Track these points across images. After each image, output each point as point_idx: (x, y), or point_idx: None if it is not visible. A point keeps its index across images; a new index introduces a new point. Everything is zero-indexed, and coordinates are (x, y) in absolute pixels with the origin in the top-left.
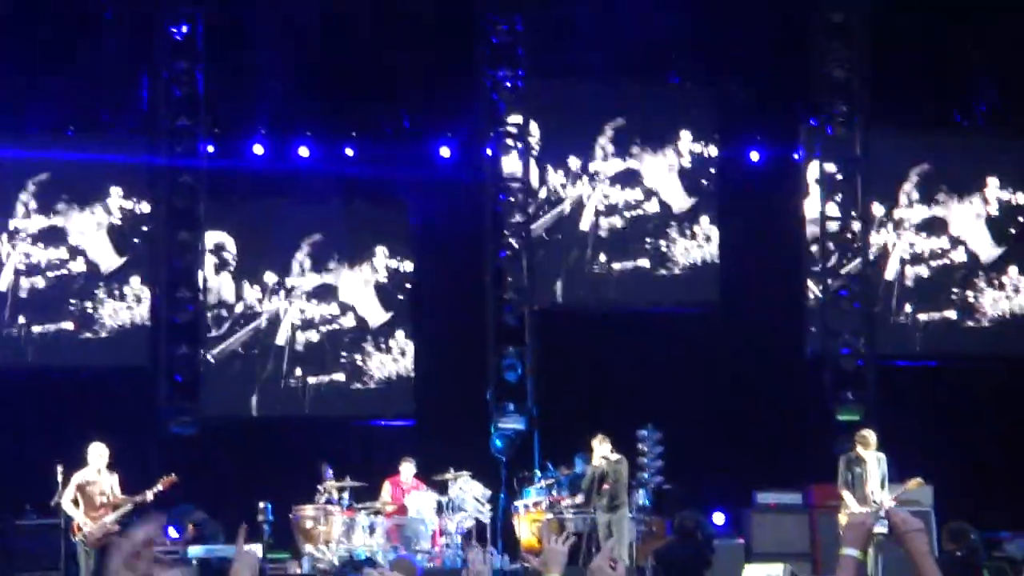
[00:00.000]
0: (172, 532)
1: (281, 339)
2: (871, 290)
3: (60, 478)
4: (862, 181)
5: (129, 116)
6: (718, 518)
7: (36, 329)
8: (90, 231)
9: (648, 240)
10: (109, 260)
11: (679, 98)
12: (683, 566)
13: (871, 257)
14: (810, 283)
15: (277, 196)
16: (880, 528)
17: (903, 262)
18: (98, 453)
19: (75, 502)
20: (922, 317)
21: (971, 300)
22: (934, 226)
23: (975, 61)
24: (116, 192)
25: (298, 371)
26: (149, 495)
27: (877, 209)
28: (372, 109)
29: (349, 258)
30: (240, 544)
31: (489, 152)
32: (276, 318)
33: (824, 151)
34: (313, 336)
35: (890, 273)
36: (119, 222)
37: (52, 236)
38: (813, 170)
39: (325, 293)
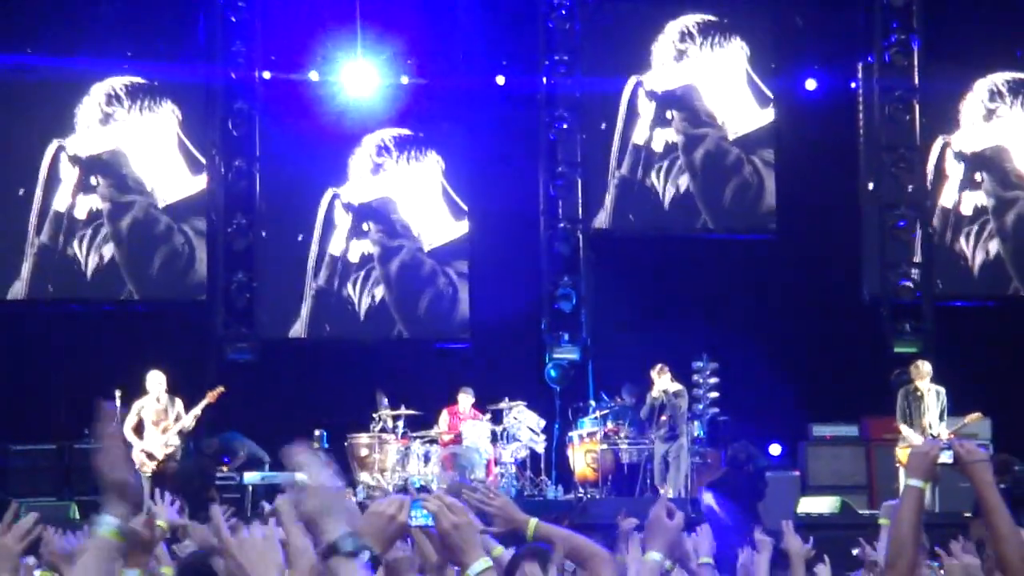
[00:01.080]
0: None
1: (336, 249)
2: (928, 220)
3: (118, 403)
4: (920, 111)
5: (186, 43)
6: (774, 449)
7: (92, 256)
8: (149, 144)
9: (704, 162)
10: (166, 186)
11: (736, 23)
12: (735, 497)
13: (929, 187)
14: (867, 214)
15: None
16: (945, 458)
17: (963, 185)
18: (156, 381)
19: (136, 429)
20: (979, 254)
21: None
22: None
23: None
24: (174, 116)
25: (351, 287)
26: (198, 410)
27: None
28: (427, 36)
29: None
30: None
31: (545, 80)
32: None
33: (881, 79)
34: (368, 249)
35: (947, 201)
36: (176, 146)
37: (110, 159)
38: (870, 98)
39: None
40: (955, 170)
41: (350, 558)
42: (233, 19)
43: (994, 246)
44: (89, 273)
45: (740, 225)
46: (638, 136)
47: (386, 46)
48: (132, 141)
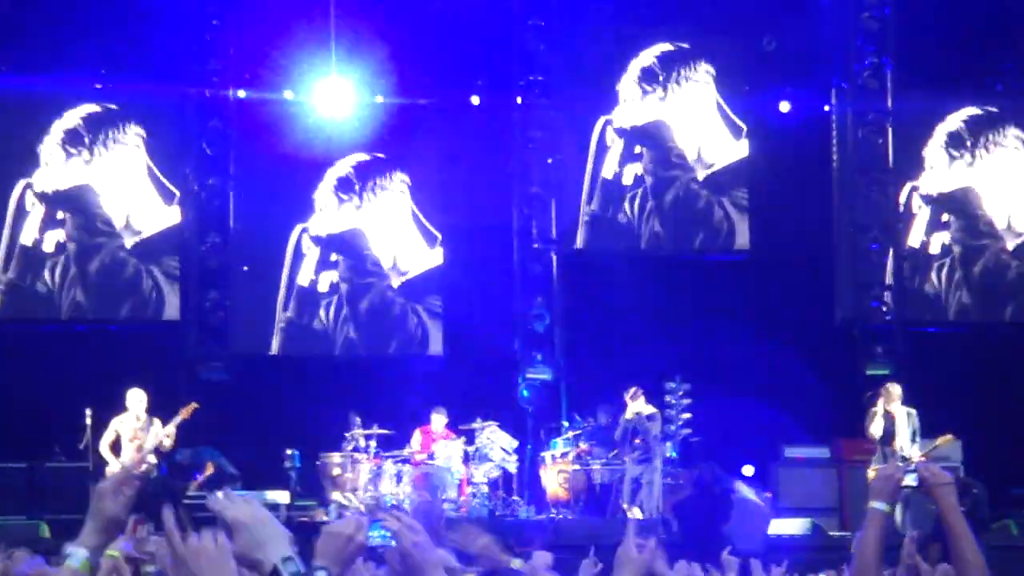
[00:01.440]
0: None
1: (304, 280)
2: (901, 243)
3: (88, 421)
4: (893, 134)
5: (157, 62)
6: (747, 470)
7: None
8: (117, 177)
9: (673, 205)
10: (137, 219)
11: (710, 46)
12: (700, 520)
13: (900, 210)
14: (839, 236)
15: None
16: (909, 481)
17: (930, 226)
18: (137, 399)
19: (113, 447)
20: (951, 298)
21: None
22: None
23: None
24: (141, 136)
25: (322, 315)
26: (172, 427)
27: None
28: (402, 55)
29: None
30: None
31: (519, 100)
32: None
33: (854, 103)
34: (335, 277)
35: (915, 240)
36: (147, 168)
37: (76, 195)
38: (842, 122)
39: (350, 238)
40: (923, 213)
41: None
42: (207, 37)
43: (964, 296)
44: (63, 310)
45: (711, 245)
46: (607, 171)
47: (360, 65)
48: (99, 176)
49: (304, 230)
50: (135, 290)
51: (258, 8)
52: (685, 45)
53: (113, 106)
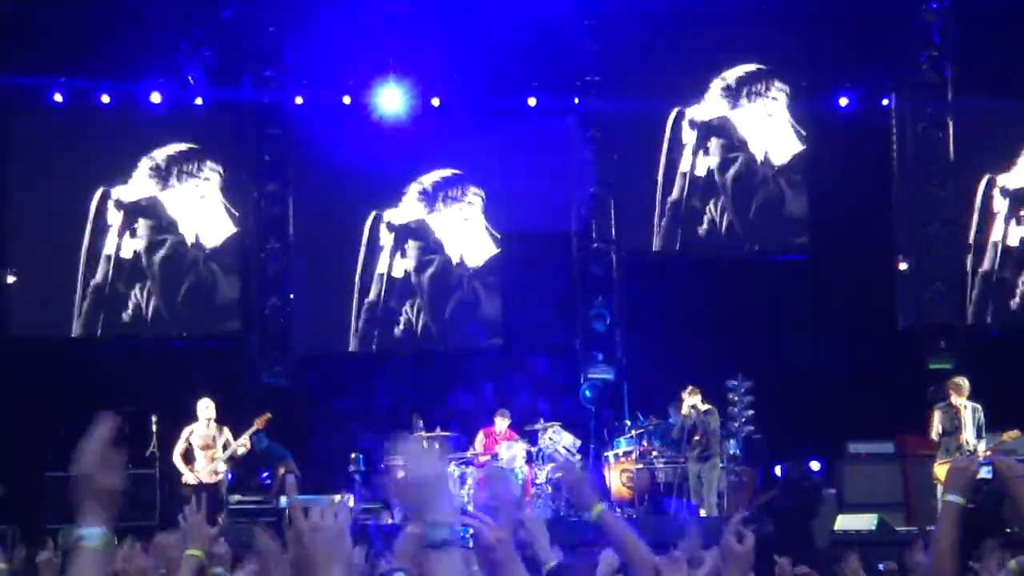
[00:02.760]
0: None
1: (383, 268)
2: (965, 239)
3: (155, 428)
4: (954, 129)
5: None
6: (814, 466)
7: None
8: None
9: (739, 187)
10: (206, 226)
11: (768, 43)
12: (790, 515)
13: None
14: (901, 231)
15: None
16: (984, 474)
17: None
18: (206, 407)
19: (184, 456)
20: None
21: None
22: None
23: None
24: (218, 173)
25: (382, 308)
26: (245, 439)
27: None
28: (458, 57)
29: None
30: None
31: (577, 100)
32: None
33: (914, 96)
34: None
35: (996, 234)
36: (209, 178)
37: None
38: (903, 115)
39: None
40: (1001, 205)
41: (442, 548)
42: (267, 45)
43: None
44: (130, 311)
45: (774, 245)
46: (683, 164)
47: (417, 68)
48: (175, 199)
49: (378, 218)
50: (205, 298)
51: (314, 13)
52: (758, 67)
53: (196, 145)
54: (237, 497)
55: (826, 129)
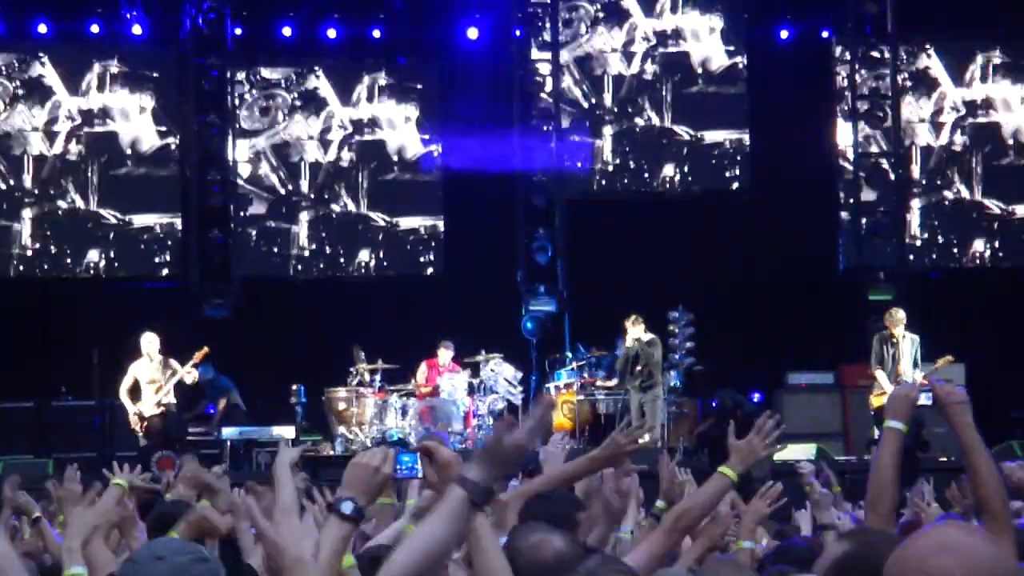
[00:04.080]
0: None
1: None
2: (906, 166)
3: (96, 360)
4: (892, 58)
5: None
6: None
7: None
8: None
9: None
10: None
11: None
12: (724, 444)
13: (903, 135)
14: (841, 161)
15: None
16: (924, 400)
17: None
18: (148, 341)
19: (131, 391)
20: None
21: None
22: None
23: None
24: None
25: (328, 249)
26: (190, 367)
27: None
28: None
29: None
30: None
31: (518, 33)
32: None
33: (855, 28)
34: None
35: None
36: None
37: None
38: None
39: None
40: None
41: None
42: None
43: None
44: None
45: (715, 179)
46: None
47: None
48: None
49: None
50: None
51: None
52: None
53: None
54: None
55: (767, 60)
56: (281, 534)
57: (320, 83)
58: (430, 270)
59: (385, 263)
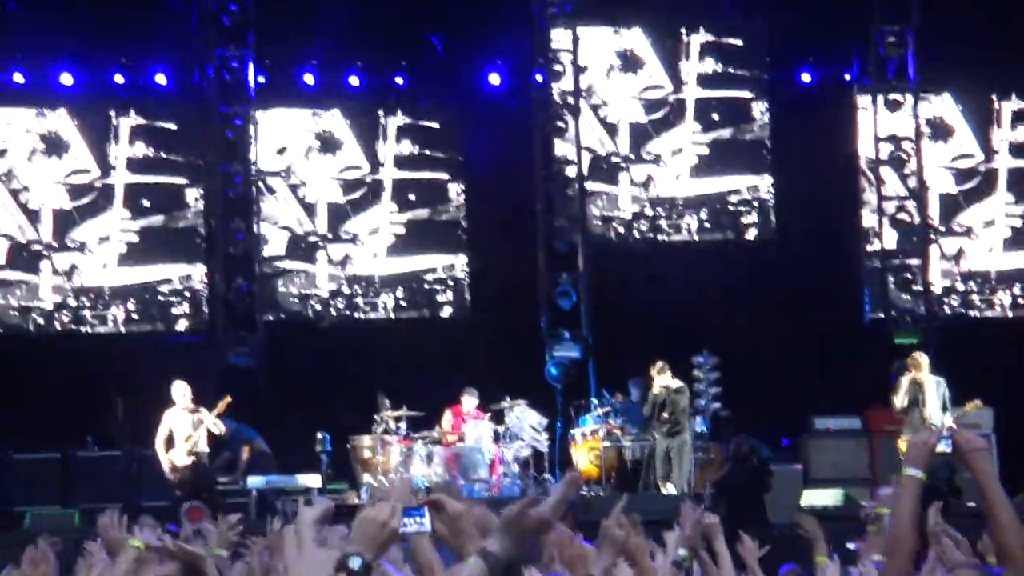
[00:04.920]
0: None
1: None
2: (924, 210)
3: (120, 410)
4: (915, 102)
5: (180, 48)
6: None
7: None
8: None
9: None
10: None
11: (730, 23)
12: (740, 491)
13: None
14: (865, 211)
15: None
16: (943, 447)
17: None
18: (180, 392)
19: (168, 441)
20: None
21: None
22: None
23: None
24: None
25: (347, 289)
26: (215, 419)
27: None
28: (420, 36)
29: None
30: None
31: (539, 78)
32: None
33: (876, 72)
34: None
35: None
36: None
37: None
38: (865, 92)
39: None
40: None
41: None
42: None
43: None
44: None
45: (739, 225)
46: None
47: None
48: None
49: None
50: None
51: None
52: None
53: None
54: None
55: (789, 103)
56: None
57: (337, 123)
58: (448, 310)
59: (404, 303)
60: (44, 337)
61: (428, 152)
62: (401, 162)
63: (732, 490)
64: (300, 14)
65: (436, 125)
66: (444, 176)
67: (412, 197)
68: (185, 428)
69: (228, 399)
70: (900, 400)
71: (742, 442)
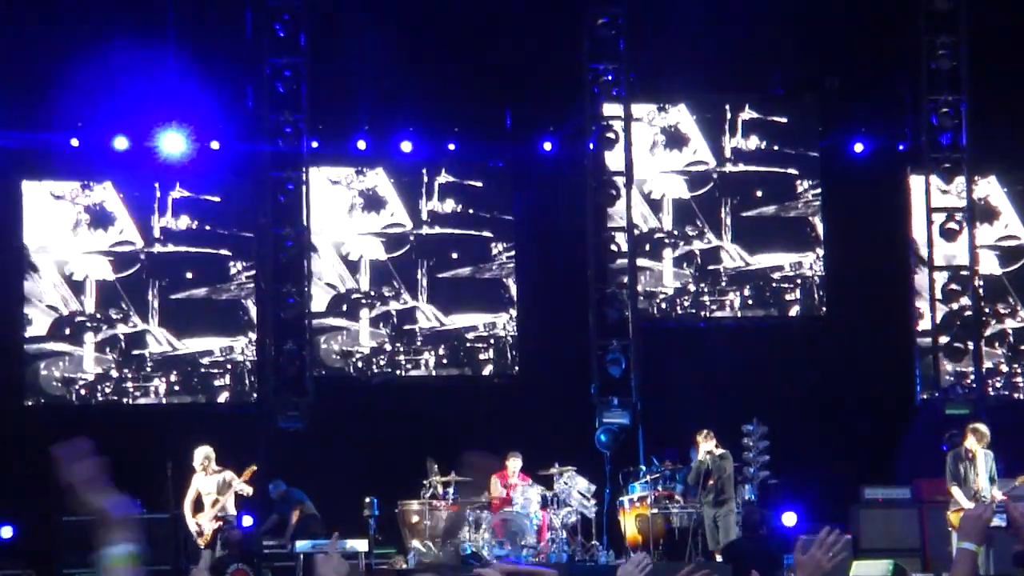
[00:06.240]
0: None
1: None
2: (978, 292)
3: (169, 473)
4: (968, 173)
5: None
6: (789, 518)
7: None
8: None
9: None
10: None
11: (776, 98)
12: (749, 559)
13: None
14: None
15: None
16: (998, 521)
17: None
18: (203, 455)
19: (195, 503)
20: None
21: None
22: None
23: None
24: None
25: (400, 358)
26: (242, 484)
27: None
28: (474, 103)
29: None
30: (332, 547)
31: (591, 147)
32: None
33: (930, 142)
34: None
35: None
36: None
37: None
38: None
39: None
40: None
41: None
42: (281, 90)
43: None
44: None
45: (788, 302)
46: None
47: (430, 112)
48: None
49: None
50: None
51: (333, 61)
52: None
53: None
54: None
55: (840, 173)
56: None
57: (380, 181)
58: (489, 368)
59: (445, 360)
60: (87, 407)
61: (471, 211)
62: (443, 220)
63: (740, 557)
64: (352, 81)
65: (480, 184)
66: (488, 235)
67: (455, 256)
68: (212, 491)
69: (253, 468)
70: (949, 474)
71: (753, 511)
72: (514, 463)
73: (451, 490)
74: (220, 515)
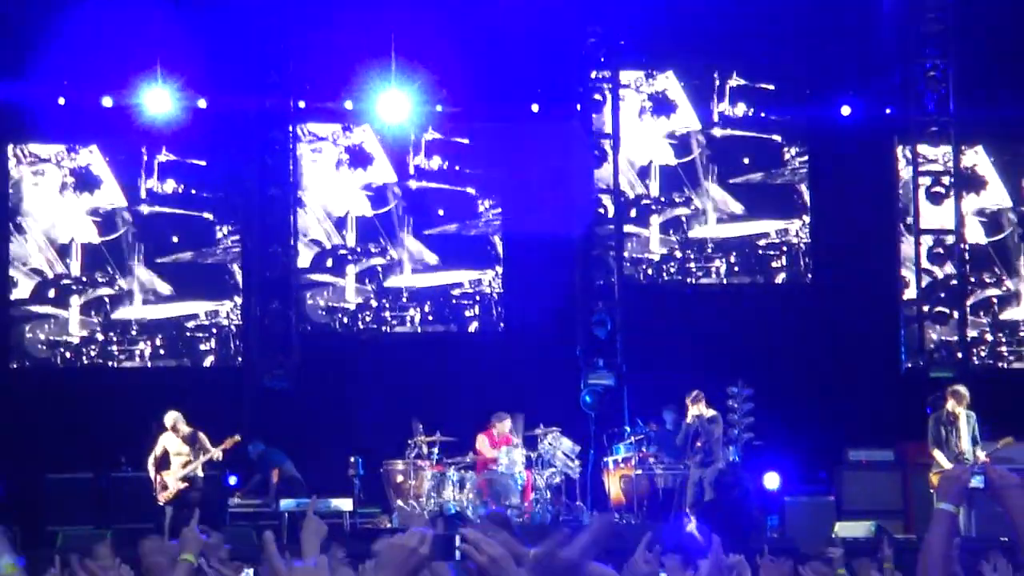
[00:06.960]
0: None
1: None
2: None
3: (155, 431)
4: (955, 139)
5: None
6: (771, 480)
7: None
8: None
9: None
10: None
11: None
12: (721, 520)
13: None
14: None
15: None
16: (976, 483)
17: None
18: (172, 419)
19: (158, 462)
20: None
21: None
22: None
23: None
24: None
25: (386, 314)
26: (218, 452)
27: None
28: (463, 64)
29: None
30: (310, 511)
31: (579, 107)
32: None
33: (917, 104)
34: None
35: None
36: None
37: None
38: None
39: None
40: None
41: None
42: (268, 50)
43: None
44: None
45: (774, 267)
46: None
47: (420, 76)
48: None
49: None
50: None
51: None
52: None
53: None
54: (236, 500)
55: (827, 138)
56: None
57: (367, 137)
58: (475, 325)
59: (431, 317)
60: (72, 370)
61: (458, 167)
62: (430, 175)
63: (713, 517)
64: (339, 39)
65: (467, 141)
66: (474, 192)
67: (441, 212)
68: (183, 452)
69: (237, 438)
70: (931, 437)
71: (727, 472)
72: (501, 424)
73: (436, 450)
74: (190, 476)
